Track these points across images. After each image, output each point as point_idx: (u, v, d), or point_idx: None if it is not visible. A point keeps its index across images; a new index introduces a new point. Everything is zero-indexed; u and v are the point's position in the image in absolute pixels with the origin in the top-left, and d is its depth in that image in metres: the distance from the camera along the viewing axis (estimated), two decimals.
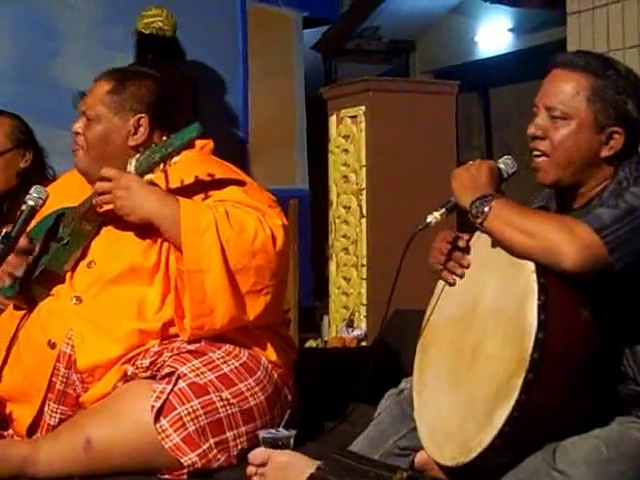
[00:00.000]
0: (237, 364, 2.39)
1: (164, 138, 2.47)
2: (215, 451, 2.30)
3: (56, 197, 2.53)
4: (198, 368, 2.33)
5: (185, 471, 2.29)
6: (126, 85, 2.58)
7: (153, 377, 2.34)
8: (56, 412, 2.40)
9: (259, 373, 2.42)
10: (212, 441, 2.30)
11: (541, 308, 1.83)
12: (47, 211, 2.56)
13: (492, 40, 7.41)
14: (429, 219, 2.13)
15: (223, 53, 5.51)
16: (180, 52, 5.29)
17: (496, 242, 2.01)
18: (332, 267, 5.02)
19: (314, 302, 5.92)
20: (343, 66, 8.08)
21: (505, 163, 2.16)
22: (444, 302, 2.17)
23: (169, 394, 2.28)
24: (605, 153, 2.04)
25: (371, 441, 2.19)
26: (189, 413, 2.27)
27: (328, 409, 2.74)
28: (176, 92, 4.88)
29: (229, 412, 2.33)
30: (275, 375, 2.47)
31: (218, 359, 2.37)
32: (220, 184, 2.50)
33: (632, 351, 1.98)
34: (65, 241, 2.50)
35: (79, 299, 2.45)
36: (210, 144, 2.68)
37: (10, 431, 2.46)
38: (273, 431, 2.11)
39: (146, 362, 2.36)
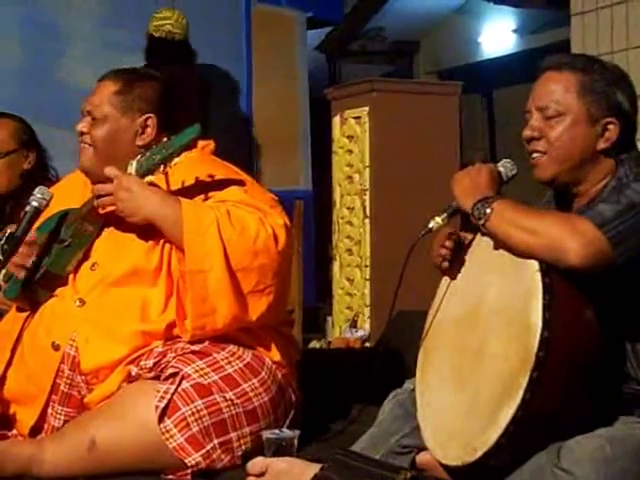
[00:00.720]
0: (241, 365, 2.39)
1: (164, 139, 2.48)
2: (219, 451, 2.30)
3: (59, 198, 2.53)
4: (202, 369, 2.33)
5: (189, 471, 2.29)
6: (133, 85, 2.59)
7: (157, 377, 2.34)
8: (61, 414, 2.40)
9: (263, 374, 2.42)
10: (216, 441, 2.30)
11: (546, 307, 1.84)
12: (50, 212, 2.56)
13: (496, 41, 7.42)
14: (431, 224, 2.14)
15: (227, 54, 5.52)
16: (190, 55, 5.30)
17: (499, 243, 2.02)
18: (336, 268, 5.02)
19: (318, 303, 5.93)
20: (347, 67, 8.09)
21: (505, 166, 2.18)
22: (447, 302, 2.18)
23: (173, 394, 2.28)
24: (601, 145, 2.06)
25: (373, 439, 2.20)
26: (193, 413, 2.27)
27: (332, 410, 2.74)
28: (188, 95, 4.92)
29: (233, 413, 2.33)
30: (279, 375, 2.47)
31: (222, 360, 2.37)
32: (221, 184, 2.50)
33: (635, 351, 1.99)
34: (67, 243, 2.50)
35: (82, 301, 2.45)
36: (211, 144, 2.68)
37: (14, 431, 2.47)
38: (277, 431, 2.12)
39: (150, 363, 2.36)
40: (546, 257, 1.90)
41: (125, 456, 2.27)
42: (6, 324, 2.57)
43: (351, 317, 4.84)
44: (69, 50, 5.54)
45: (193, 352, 2.36)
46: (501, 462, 1.91)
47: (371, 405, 2.39)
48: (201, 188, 2.50)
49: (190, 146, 2.45)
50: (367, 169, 4.77)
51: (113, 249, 2.51)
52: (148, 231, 2.44)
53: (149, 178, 2.42)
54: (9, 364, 2.46)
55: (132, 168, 2.43)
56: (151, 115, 2.57)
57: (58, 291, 2.50)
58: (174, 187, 2.51)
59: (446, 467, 2.01)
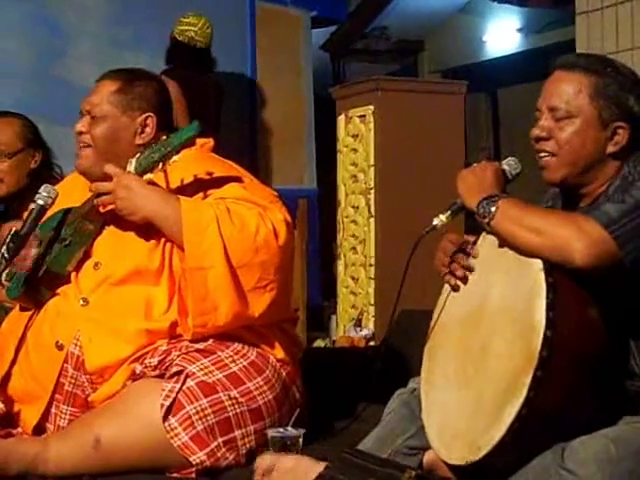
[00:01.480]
0: (246, 363, 2.39)
1: (163, 137, 2.48)
2: (223, 450, 2.30)
3: (61, 197, 2.54)
4: (207, 367, 2.33)
5: (193, 470, 2.29)
6: (133, 84, 2.59)
7: (161, 376, 2.34)
8: (66, 413, 2.40)
9: (267, 372, 2.42)
10: (220, 440, 2.30)
11: (549, 306, 1.84)
12: (51, 212, 2.56)
13: (500, 40, 7.42)
14: (435, 222, 2.14)
15: (231, 52, 5.52)
16: (210, 63, 5.34)
17: (504, 242, 2.02)
18: (340, 267, 5.02)
19: (322, 302, 5.93)
20: (351, 66, 8.10)
21: (509, 164, 2.17)
22: (452, 302, 2.18)
23: (178, 393, 2.28)
24: (611, 149, 2.05)
25: (379, 440, 2.19)
26: (198, 412, 2.27)
27: (336, 409, 2.74)
28: (203, 102, 4.95)
29: (237, 411, 2.33)
30: (283, 374, 2.47)
31: (227, 358, 2.38)
32: (220, 181, 2.50)
33: (639, 347, 1.99)
34: (67, 242, 2.49)
35: (86, 300, 2.45)
36: (210, 142, 2.68)
37: (19, 429, 2.47)
38: (282, 430, 2.12)
39: (154, 361, 2.36)
40: (551, 257, 1.90)
41: (130, 454, 2.27)
42: (10, 323, 2.57)
43: (355, 316, 4.84)
44: (74, 48, 5.55)
45: (198, 350, 2.36)
46: (505, 462, 1.91)
47: (376, 404, 2.39)
48: (200, 186, 2.50)
49: (189, 144, 2.46)
50: (372, 168, 4.77)
51: (115, 248, 2.51)
52: (149, 230, 2.44)
53: (148, 176, 2.42)
54: (13, 363, 2.46)
55: (131, 166, 2.43)
56: (150, 114, 2.58)
57: (61, 290, 2.49)
58: (173, 185, 2.50)
59: (451, 467, 2.01)
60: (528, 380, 1.82)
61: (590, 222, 1.90)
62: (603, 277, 1.90)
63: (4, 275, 2.45)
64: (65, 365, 2.40)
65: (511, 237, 1.97)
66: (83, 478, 2.27)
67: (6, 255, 2.37)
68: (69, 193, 2.62)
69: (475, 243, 2.14)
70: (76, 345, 2.40)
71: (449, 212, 2.14)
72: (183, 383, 2.29)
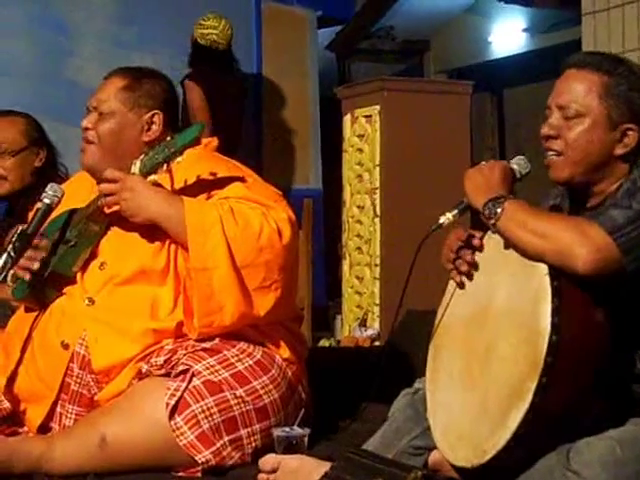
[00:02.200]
0: (251, 362, 2.39)
1: (168, 138, 2.48)
2: (229, 449, 2.31)
3: (67, 197, 2.54)
4: (213, 366, 2.33)
5: (199, 468, 2.29)
6: (141, 82, 2.60)
7: (167, 375, 2.34)
8: (72, 413, 2.40)
9: (273, 371, 2.42)
10: (226, 439, 2.30)
11: (555, 311, 1.83)
12: (57, 212, 2.56)
13: (506, 40, 7.40)
14: (441, 220, 2.13)
15: (237, 52, 5.53)
16: (232, 64, 5.37)
17: (508, 243, 2.01)
18: (345, 266, 5.02)
19: (327, 302, 5.93)
20: (357, 66, 8.08)
21: (518, 163, 2.15)
22: (457, 302, 2.17)
23: (184, 392, 2.28)
24: (619, 151, 2.04)
25: (385, 440, 2.19)
26: (203, 411, 2.28)
27: (341, 408, 2.74)
28: (226, 102, 4.99)
29: (243, 410, 2.33)
30: (289, 373, 2.47)
31: (233, 357, 2.37)
32: (223, 181, 2.49)
33: None
34: (72, 243, 2.50)
35: (92, 300, 2.45)
36: (214, 141, 2.67)
37: (25, 428, 2.47)
38: (287, 429, 2.12)
39: (160, 360, 2.36)
40: (555, 262, 1.88)
41: (135, 453, 2.27)
42: (16, 323, 2.57)
43: (361, 316, 4.85)
44: (79, 48, 5.56)
45: (203, 349, 2.36)
46: (511, 464, 1.91)
47: (380, 404, 2.39)
48: (204, 186, 2.49)
49: (192, 145, 2.46)
50: (377, 168, 4.77)
51: (121, 248, 2.51)
52: (154, 230, 2.44)
53: (153, 177, 2.43)
54: (19, 362, 2.46)
55: (136, 168, 2.44)
56: (158, 112, 2.58)
57: (67, 290, 2.50)
58: (177, 185, 2.50)
59: (456, 467, 2.00)
60: (533, 385, 1.81)
61: (594, 228, 1.88)
62: (608, 282, 1.89)
63: (9, 276, 2.45)
64: (71, 365, 2.40)
65: (516, 240, 1.96)
66: (88, 477, 2.28)
67: (12, 254, 2.37)
68: (75, 193, 2.62)
69: (482, 239, 2.13)
70: (82, 345, 2.40)
71: (456, 210, 2.12)
72: (189, 382, 2.29)
